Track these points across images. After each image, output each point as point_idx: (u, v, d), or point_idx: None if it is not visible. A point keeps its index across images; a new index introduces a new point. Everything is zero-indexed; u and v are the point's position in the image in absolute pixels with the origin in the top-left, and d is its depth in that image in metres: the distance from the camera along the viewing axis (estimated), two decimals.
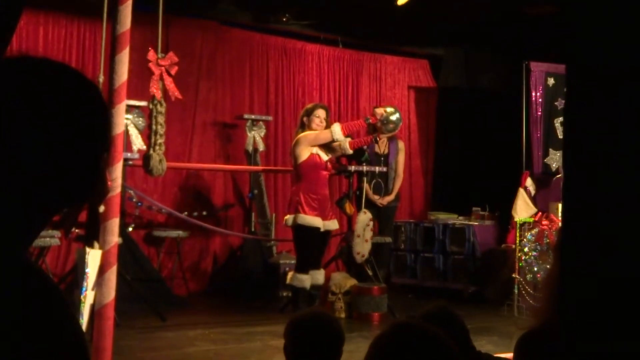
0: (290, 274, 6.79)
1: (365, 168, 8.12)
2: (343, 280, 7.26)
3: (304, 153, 6.69)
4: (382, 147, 8.71)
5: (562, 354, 1.25)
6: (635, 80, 1.18)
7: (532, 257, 7.30)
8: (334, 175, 9.00)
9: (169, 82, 6.43)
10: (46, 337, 1.12)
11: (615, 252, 1.16)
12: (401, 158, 8.81)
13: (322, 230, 6.74)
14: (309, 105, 7.02)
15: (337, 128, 6.83)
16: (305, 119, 6.83)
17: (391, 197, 8.63)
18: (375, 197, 8.46)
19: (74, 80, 1.24)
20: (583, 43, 1.25)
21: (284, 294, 7.66)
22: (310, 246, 6.76)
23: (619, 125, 1.18)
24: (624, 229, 1.16)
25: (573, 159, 1.24)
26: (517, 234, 7.44)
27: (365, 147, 8.32)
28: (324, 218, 6.76)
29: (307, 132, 6.83)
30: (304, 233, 6.71)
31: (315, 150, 6.72)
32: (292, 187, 7.08)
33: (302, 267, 6.71)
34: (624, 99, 1.18)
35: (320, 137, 6.80)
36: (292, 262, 8.06)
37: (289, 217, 6.75)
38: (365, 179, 8.17)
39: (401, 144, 8.90)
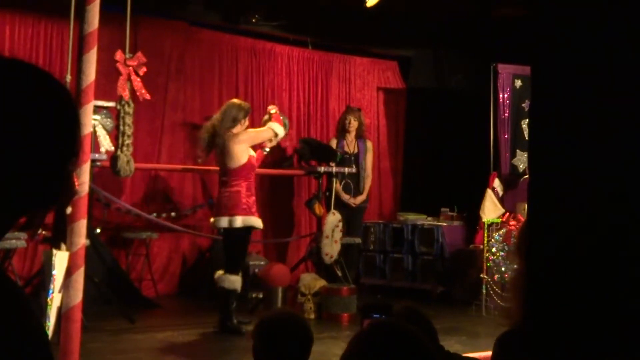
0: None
1: (334, 169, 8.15)
2: (312, 281, 7.27)
3: (246, 154, 6.43)
4: (351, 146, 8.76)
5: (534, 353, 1.26)
6: (599, 82, 1.20)
7: (500, 258, 7.37)
8: (303, 176, 9.04)
9: (137, 83, 6.39)
10: (9, 339, 1.11)
11: (579, 251, 1.18)
12: (369, 158, 8.88)
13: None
14: (246, 105, 6.63)
15: (275, 125, 6.65)
16: (243, 121, 6.44)
17: (363, 197, 8.69)
18: (346, 197, 8.50)
19: (44, 82, 1.23)
20: (549, 45, 1.26)
21: (254, 295, 7.65)
22: (246, 247, 6.70)
23: (583, 126, 1.20)
24: (588, 228, 1.18)
25: (538, 159, 1.25)
26: (485, 235, 7.50)
27: (337, 148, 8.42)
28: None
29: (248, 130, 6.55)
30: (246, 234, 6.51)
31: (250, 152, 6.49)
32: (230, 188, 6.39)
33: (235, 268, 6.51)
34: (588, 101, 1.20)
35: (262, 136, 6.65)
36: (262, 263, 8.06)
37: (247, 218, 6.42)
38: (335, 179, 8.21)
39: (369, 144, 8.97)
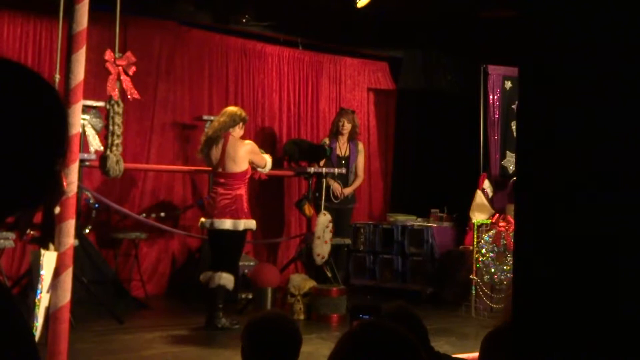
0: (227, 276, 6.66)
1: (324, 169, 8.15)
2: (302, 282, 7.27)
3: (247, 161, 6.71)
4: (343, 149, 8.76)
5: (519, 352, 1.26)
6: (587, 83, 1.20)
7: (489, 259, 7.38)
8: (292, 177, 9.04)
9: (127, 82, 6.37)
10: None
11: (567, 252, 1.18)
12: (361, 159, 8.89)
13: None
14: (244, 113, 6.84)
15: (269, 160, 6.99)
16: (241, 124, 6.70)
17: (349, 190, 8.64)
18: (338, 189, 8.45)
19: (32, 81, 1.23)
20: (537, 46, 1.26)
21: (243, 295, 7.64)
22: (243, 248, 6.97)
23: (571, 127, 1.20)
24: (576, 229, 1.18)
25: (525, 160, 1.25)
26: (475, 236, 7.51)
27: (327, 144, 8.45)
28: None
29: (253, 144, 6.89)
30: (244, 236, 6.77)
31: None
32: (232, 191, 6.62)
33: (234, 268, 6.79)
34: (576, 102, 1.20)
35: (260, 157, 6.88)
36: (252, 264, 8.05)
37: (248, 222, 6.68)
38: (325, 178, 8.21)
39: (361, 146, 8.98)
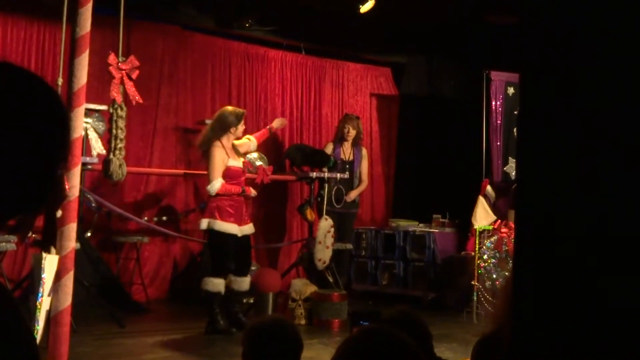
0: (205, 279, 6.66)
1: (327, 175, 8.15)
2: (303, 287, 7.26)
3: (221, 161, 6.64)
4: (347, 153, 8.77)
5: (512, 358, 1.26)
6: (588, 89, 1.20)
7: (491, 265, 7.37)
8: (295, 182, 9.04)
9: (130, 86, 6.37)
10: None
11: (567, 258, 1.18)
12: (364, 165, 8.91)
13: (239, 235, 6.62)
14: (233, 113, 6.74)
15: (255, 142, 7.03)
16: (233, 129, 6.64)
17: (355, 193, 8.66)
18: (337, 207, 8.49)
19: (34, 85, 1.23)
20: (538, 52, 1.26)
21: (244, 300, 7.62)
22: (225, 251, 6.64)
23: (571, 132, 1.20)
24: (577, 235, 1.18)
25: (526, 165, 1.25)
26: (477, 242, 7.50)
27: (332, 154, 8.44)
28: (241, 223, 6.65)
29: (239, 142, 6.83)
30: (219, 239, 6.61)
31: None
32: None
33: (217, 271, 6.62)
34: (577, 107, 1.20)
35: (244, 147, 6.93)
36: (253, 268, 8.03)
37: (204, 221, 6.64)
38: (326, 185, 8.21)
39: (364, 151, 9.00)
